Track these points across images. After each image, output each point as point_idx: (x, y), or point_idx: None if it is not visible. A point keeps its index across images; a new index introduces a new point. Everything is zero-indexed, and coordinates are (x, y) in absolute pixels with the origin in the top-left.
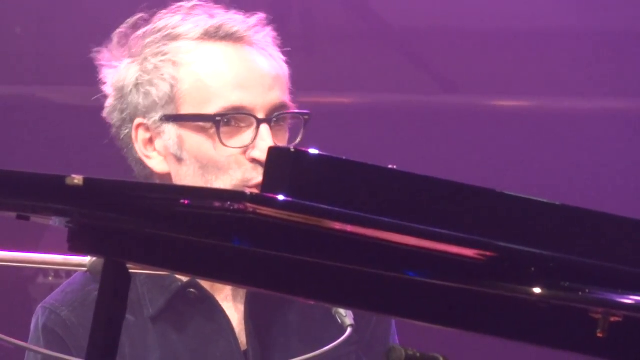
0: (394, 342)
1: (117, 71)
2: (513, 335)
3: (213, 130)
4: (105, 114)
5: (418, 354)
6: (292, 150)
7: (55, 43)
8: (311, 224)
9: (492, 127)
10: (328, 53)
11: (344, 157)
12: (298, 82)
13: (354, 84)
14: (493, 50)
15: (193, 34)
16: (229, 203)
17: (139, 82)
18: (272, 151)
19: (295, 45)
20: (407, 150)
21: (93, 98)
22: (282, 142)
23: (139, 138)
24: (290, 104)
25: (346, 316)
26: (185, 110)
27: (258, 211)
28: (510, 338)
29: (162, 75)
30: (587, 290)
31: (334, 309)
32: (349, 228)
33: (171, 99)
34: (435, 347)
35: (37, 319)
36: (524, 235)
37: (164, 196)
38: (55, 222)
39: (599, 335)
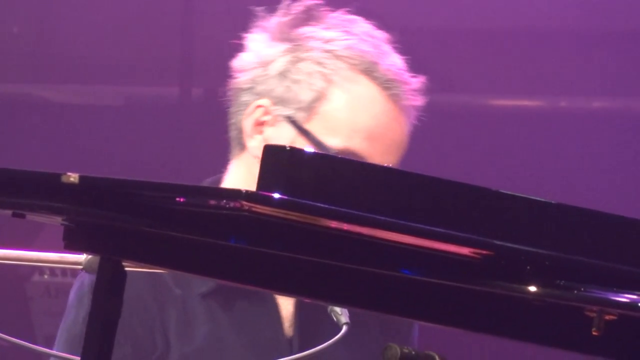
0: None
1: (270, 47)
2: (508, 333)
3: None
4: (236, 66)
5: (413, 352)
6: (288, 148)
7: (52, 42)
8: (307, 222)
9: (488, 125)
10: None
11: (340, 156)
12: None
13: None
14: (490, 49)
15: (357, 64)
16: (224, 201)
17: (287, 74)
18: (268, 149)
19: None
20: None
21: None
22: None
23: (254, 116)
24: None
25: (342, 314)
26: (312, 126)
27: (253, 209)
28: (506, 336)
29: (312, 83)
30: (583, 289)
31: (330, 308)
32: (345, 226)
33: (307, 109)
34: (431, 345)
35: (83, 280)
36: (520, 234)
37: (160, 194)
38: (50, 220)
39: (594, 333)
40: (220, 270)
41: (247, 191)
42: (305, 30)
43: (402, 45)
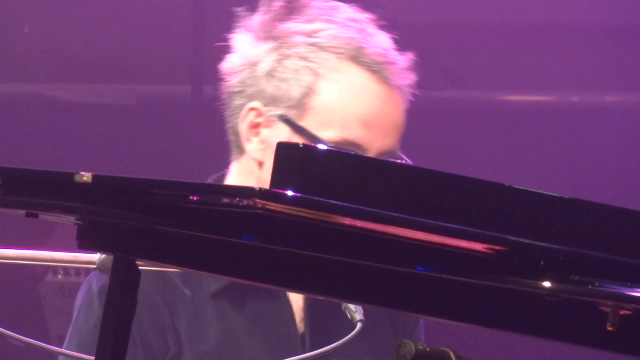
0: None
1: (255, 47)
2: (523, 329)
3: None
4: (225, 69)
5: (428, 349)
6: (301, 145)
7: (64, 41)
8: (320, 219)
9: (500, 121)
10: None
11: (353, 152)
12: None
13: None
14: (501, 45)
15: (343, 52)
16: (237, 199)
17: (274, 74)
18: (281, 147)
19: None
20: (416, 145)
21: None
22: None
23: (248, 119)
24: (398, 152)
25: (356, 312)
26: (307, 122)
27: (267, 207)
28: (520, 332)
29: (299, 79)
30: (597, 284)
31: (344, 305)
32: (359, 223)
33: (299, 105)
34: (446, 341)
35: (91, 283)
36: (534, 229)
37: (173, 193)
38: (64, 219)
39: (609, 328)
40: (234, 268)
41: (260, 189)
42: (288, 26)
43: (413, 42)
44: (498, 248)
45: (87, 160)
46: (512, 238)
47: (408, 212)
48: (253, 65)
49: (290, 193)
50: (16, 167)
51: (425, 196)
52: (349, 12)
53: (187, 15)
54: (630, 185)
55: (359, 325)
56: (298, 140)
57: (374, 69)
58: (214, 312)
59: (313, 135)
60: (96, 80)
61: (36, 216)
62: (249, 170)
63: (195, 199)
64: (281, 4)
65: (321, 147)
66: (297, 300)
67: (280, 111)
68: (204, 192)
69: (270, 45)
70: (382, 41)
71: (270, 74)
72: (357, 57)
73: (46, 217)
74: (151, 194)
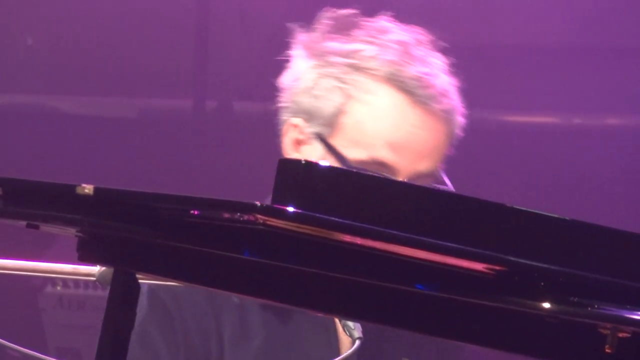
0: None
1: (300, 62)
2: (521, 349)
3: None
4: (280, 82)
5: None
6: (303, 162)
7: (66, 53)
8: (321, 236)
9: (501, 141)
10: None
11: (355, 169)
12: None
13: None
14: (502, 66)
15: (379, 74)
16: (238, 214)
17: (311, 91)
18: (283, 163)
19: None
20: None
21: None
22: None
23: (290, 134)
24: (436, 175)
25: (354, 329)
26: (337, 141)
27: (268, 222)
28: (518, 352)
29: (332, 99)
30: (596, 306)
31: (342, 322)
32: (359, 240)
33: (330, 124)
34: None
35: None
36: (534, 250)
37: (174, 206)
38: (65, 231)
39: (607, 350)
40: (234, 283)
41: (261, 204)
42: (330, 45)
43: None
44: (497, 268)
45: (88, 172)
46: (511, 258)
47: (409, 231)
48: (297, 81)
49: (291, 209)
50: (17, 178)
51: (426, 215)
52: (396, 33)
53: (189, 29)
54: (632, 207)
55: (357, 343)
56: (330, 159)
57: (410, 91)
58: (259, 323)
59: (341, 154)
60: (98, 93)
61: (37, 227)
62: None
63: (196, 213)
64: (330, 22)
65: (323, 163)
66: (346, 337)
67: (315, 128)
68: (204, 206)
69: (313, 62)
70: (426, 64)
71: (307, 91)
72: (394, 79)
73: (47, 228)
74: (152, 207)
